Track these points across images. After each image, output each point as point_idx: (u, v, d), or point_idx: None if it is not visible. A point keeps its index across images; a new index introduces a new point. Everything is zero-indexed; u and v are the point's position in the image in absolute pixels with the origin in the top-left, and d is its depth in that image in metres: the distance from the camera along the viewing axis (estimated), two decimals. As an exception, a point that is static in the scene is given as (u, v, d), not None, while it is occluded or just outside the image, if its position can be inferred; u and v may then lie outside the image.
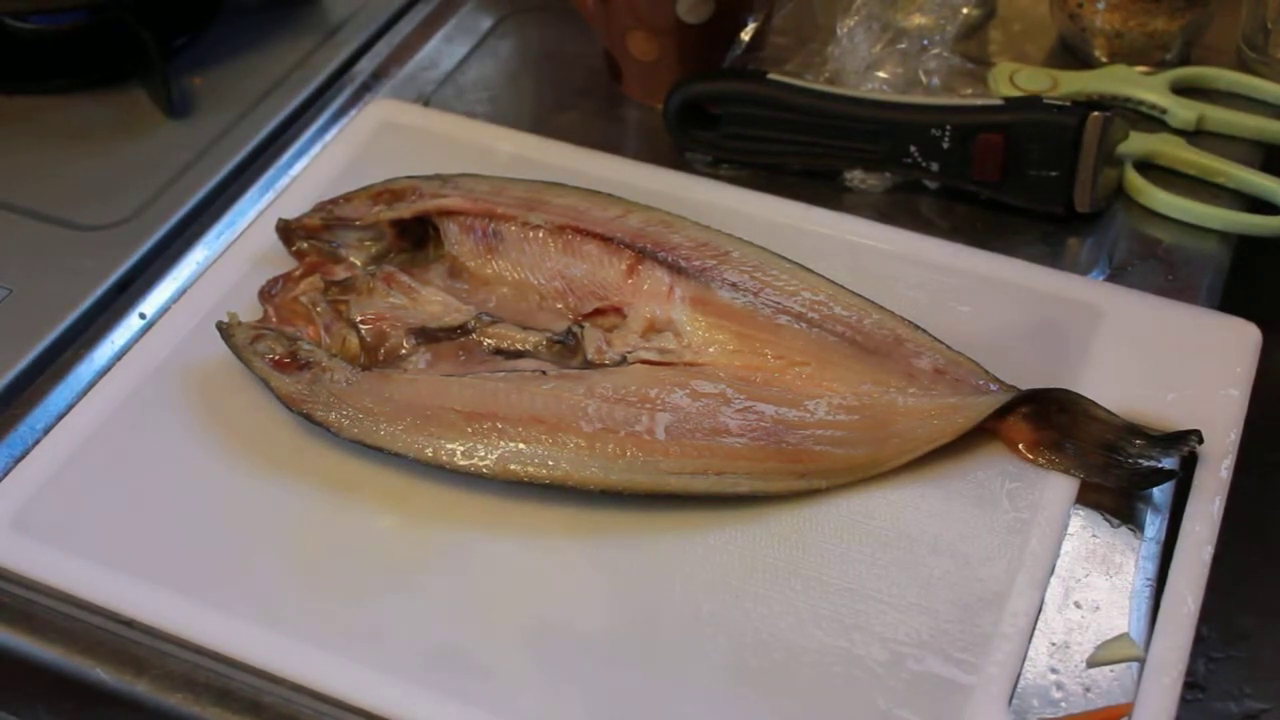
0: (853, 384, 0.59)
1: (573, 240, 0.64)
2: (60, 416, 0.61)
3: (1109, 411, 0.57)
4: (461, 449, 0.56)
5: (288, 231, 0.67)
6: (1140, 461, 0.56)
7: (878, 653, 0.51)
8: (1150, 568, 0.55)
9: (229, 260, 0.67)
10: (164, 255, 0.69)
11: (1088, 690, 0.51)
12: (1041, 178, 0.68)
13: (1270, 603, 0.61)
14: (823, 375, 0.59)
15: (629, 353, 0.60)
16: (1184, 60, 0.78)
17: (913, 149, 0.70)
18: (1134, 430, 0.57)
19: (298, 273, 0.65)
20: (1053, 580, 0.54)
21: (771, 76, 0.72)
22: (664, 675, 0.51)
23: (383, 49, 0.82)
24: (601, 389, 0.58)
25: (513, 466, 0.56)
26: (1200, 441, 0.56)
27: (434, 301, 0.63)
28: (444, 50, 0.82)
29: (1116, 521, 0.56)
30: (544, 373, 0.59)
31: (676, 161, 0.74)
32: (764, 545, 0.55)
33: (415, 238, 0.67)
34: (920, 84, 0.74)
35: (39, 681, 0.54)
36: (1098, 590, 0.54)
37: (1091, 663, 0.52)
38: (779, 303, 0.61)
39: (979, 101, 0.70)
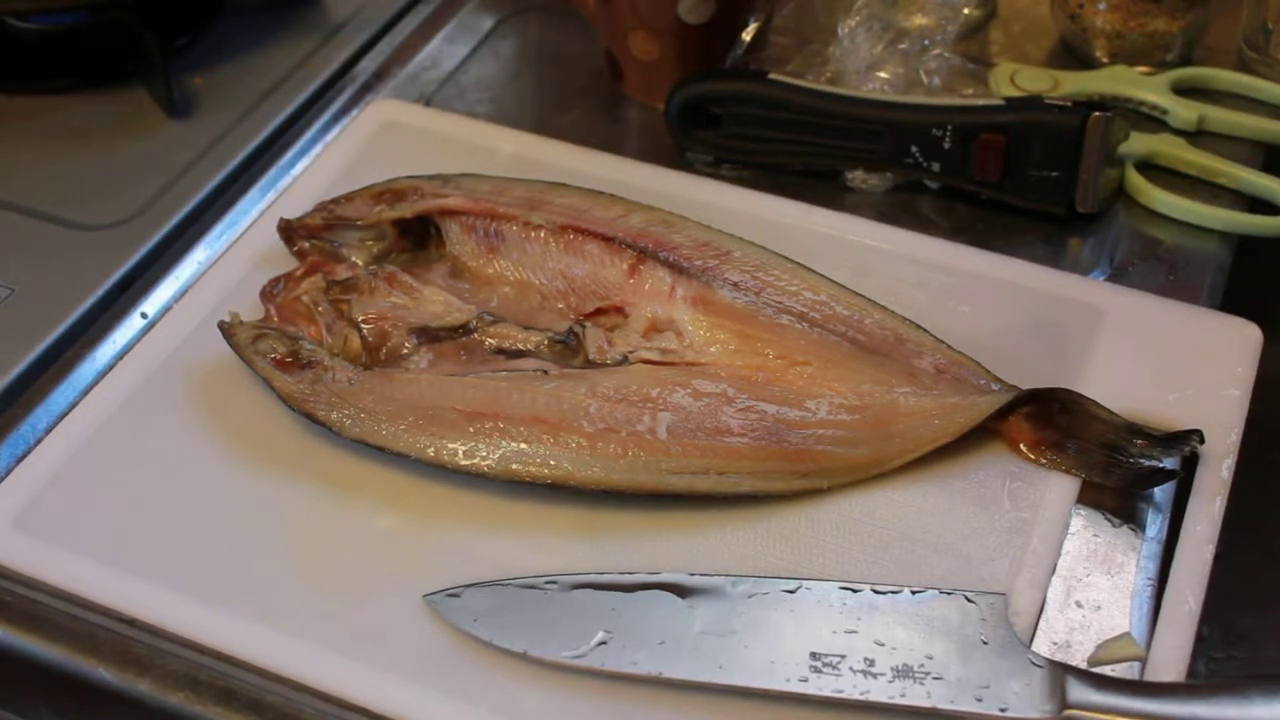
0: (854, 384, 0.59)
1: (574, 240, 0.64)
2: (62, 416, 0.61)
3: (1110, 411, 0.57)
4: (463, 448, 0.56)
5: (289, 231, 0.67)
6: (1141, 461, 0.56)
7: (879, 652, 0.52)
8: (1151, 567, 0.55)
9: (231, 260, 0.67)
10: (166, 255, 0.69)
11: (1089, 690, 0.51)
12: (1043, 178, 0.68)
13: (1270, 603, 0.62)
14: (824, 375, 0.59)
15: (630, 352, 0.60)
16: (1185, 61, 0.78)
17: (914, 149, 0.70)
18: (1135, 430, 0.57)
19: (299, 272, 0.65)
20: (1054, 580, 0.54)
21: (772, 76, 0.72)
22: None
23: (384, 49, 0.82)
24: (603, 388, 0.58)
25: (514, 466, 0.56)
26: (1201, 441, 0.56)
27: (435, 301, 0.63)
28: (445, 50, 0.83)
29: (1118, 521, 0.56)
30: (546, 372, 0.59)
31: (677, 161, 0.74)
32: (766, 545, 0.55)
33: (417, 237, 0.67)
34: (921, 84, 0.74)
35: (41, 681, 0.54)
36: (1099, 590, 0.54)
37: (1093, 662, 0.52)
38: (780, 302, 0.61)
39: (980, 102, 0.70)
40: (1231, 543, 0.55)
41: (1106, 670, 0.51)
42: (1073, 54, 0.79)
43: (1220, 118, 0.74)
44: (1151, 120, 0.75)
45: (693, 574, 0.53)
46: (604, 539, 0.55)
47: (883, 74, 0.74)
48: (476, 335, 0.61)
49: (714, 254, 0.63)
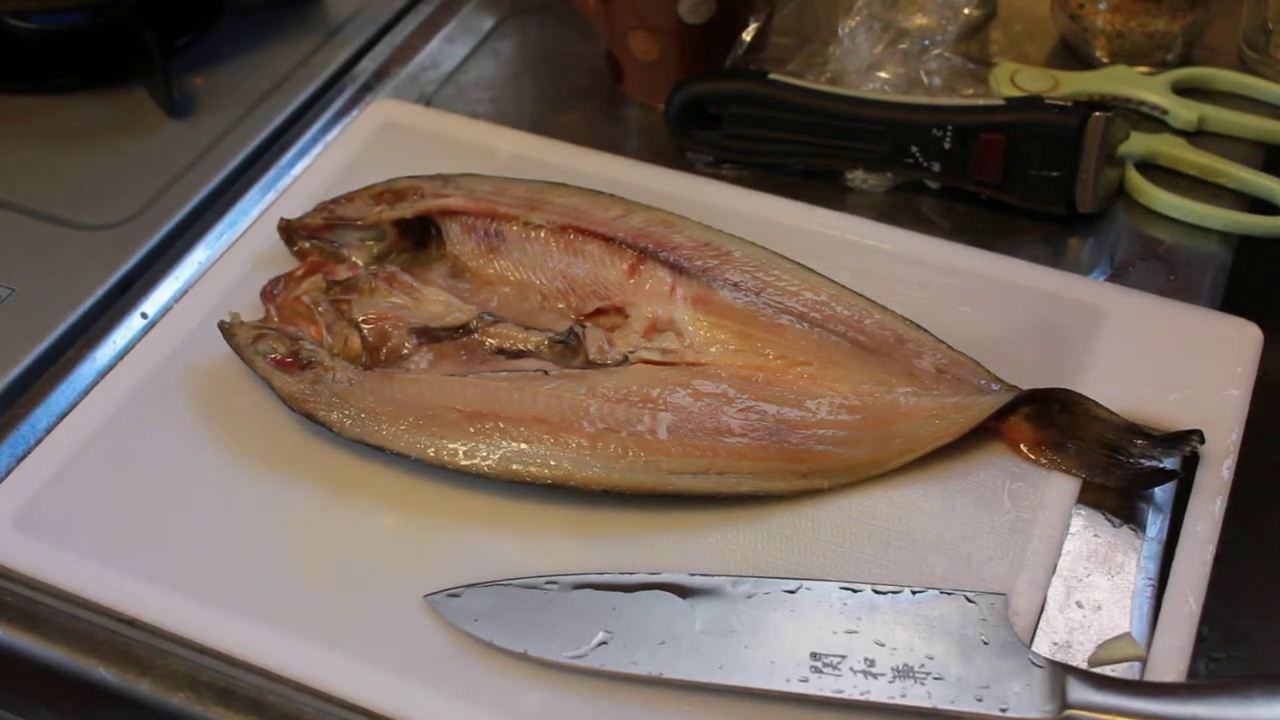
0: (854, 384, 0.59)
1: (574, 240, 0.64)
2: (62, 416, 0.61)
3: (1111, 411, 0.57)
4: (463, 449, 0.56)
5: (289, 231, 0.67)
6: (1142, 461, 0.56)
7: (880, 652, 0.52)
8: (1152, 567, 0.55)
9: (231, 260, 0.67)
10: (166, 255, 0.69)
11: (1089, 690, 0.51)
12: (1043, 178, 0.68)
13: (1270, 603, 0.61)
14: (824, 375, 0.59)
15: (631, 352, 0.60)
16: (1185, 61, 0.78)
17: (914, 149, 0.70)
18: (1136, 430, 0.57)
19: (300, 272, 0.65)
20: (1054, 580, 0.54)
21: (773, 76, 0.72)
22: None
23: (384, 49, 0.82)
24: (603, 389, 0.58)
25: (515, 466, 0.56)
26: (1201, 441, 0.56)
27: (436, 301, 0.63)
28: (445, 50, 0.83)
29: (1118, 521, 0.56)
30: (546, 372, 0.59)
31: (678, 161, 0.74)
32: (766, 545, 0.55)
33: (417, 238, 0.67)
34: (921, 84, 0.74)
35: (41, 681, 0.54)
36: (1099, 590, 0.54)
37: (1093, 662, 0.52)
38: (781, 303, 0.61)
39: (980, 102, 0.70)
40: (1231, 543, 0.55)
41: (1107, 670, 0.51)
42: (1073, 54, 0.79)
43: (1220, 118, 0.74)
44: (1151, 120, 0.75)
45: (693, 574, 0.53)
46: (604, 539, 0.55)
47: (883, 74, 0.74)
48: (477, 335, 0.61)
49: (714, 254, 0.63)
